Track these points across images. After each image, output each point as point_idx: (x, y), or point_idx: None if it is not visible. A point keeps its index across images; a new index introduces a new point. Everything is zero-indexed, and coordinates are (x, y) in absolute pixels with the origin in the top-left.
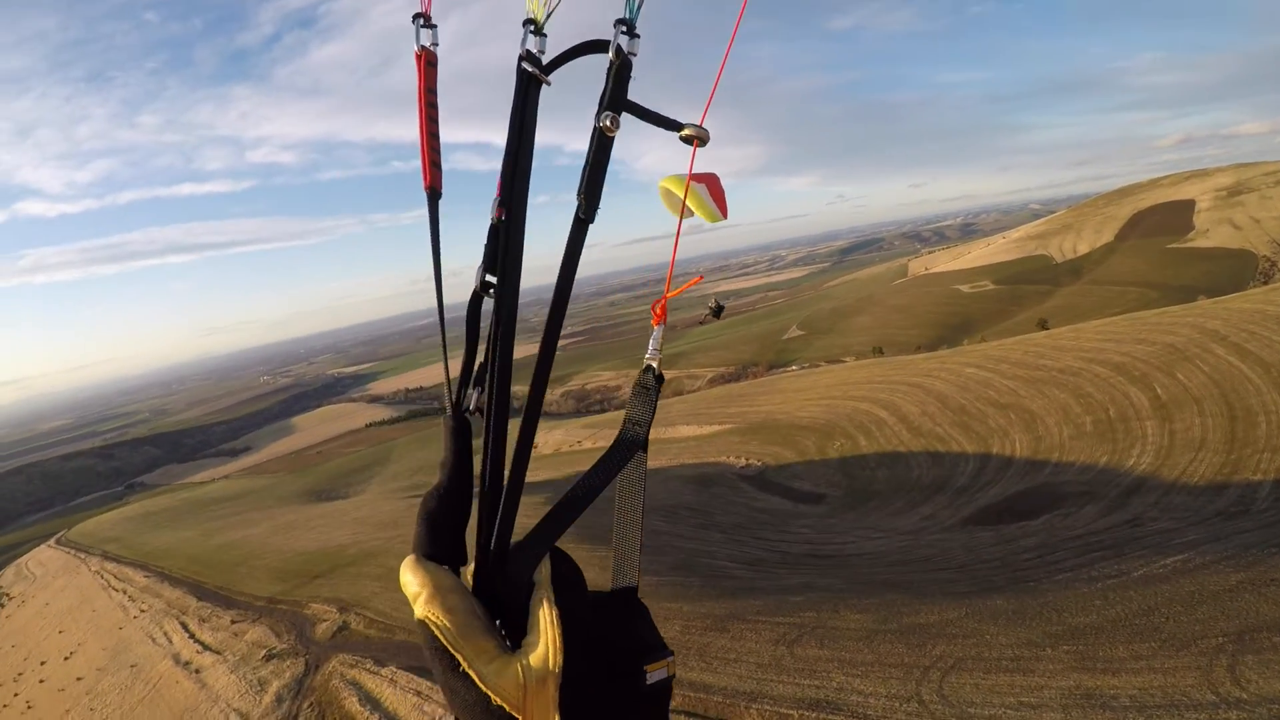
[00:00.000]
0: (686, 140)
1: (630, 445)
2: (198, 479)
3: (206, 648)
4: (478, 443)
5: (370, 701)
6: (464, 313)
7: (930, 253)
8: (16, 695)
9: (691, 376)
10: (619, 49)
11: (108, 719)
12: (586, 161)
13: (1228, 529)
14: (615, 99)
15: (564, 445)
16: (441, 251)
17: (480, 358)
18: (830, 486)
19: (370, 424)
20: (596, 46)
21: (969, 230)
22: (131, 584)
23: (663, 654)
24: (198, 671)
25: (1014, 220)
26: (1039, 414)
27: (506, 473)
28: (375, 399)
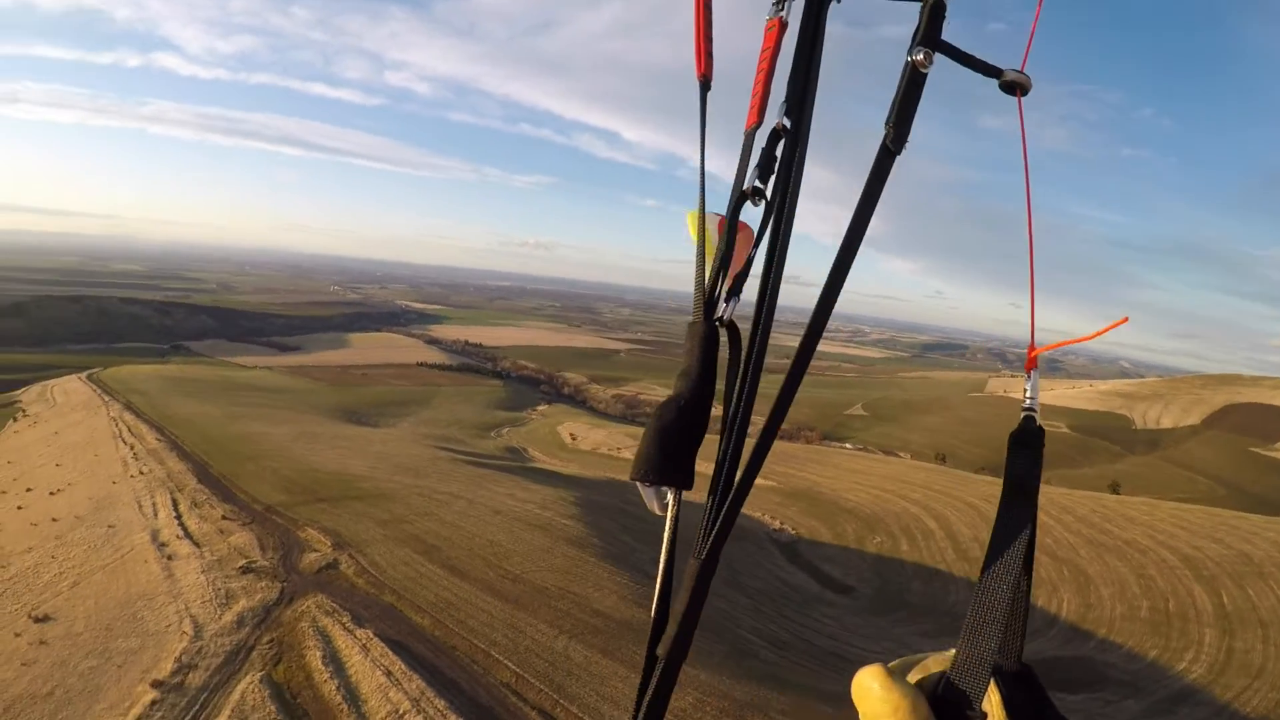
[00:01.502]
0: (1007, 88)
1: (1026, 503)
2: (241, 361)
3: (188, 535)
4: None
5: (334, 662)
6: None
7: (1013, 376)
8: None
9: None
10: None
11: (63, 573)
12: (897, 94)
13: None
14: (929, 36)
15: (602, 446)
16: (706, 143)
17: (737, 268)
18: (861, 581)
19: (421, 363)
20: None
21: (1053, 366)
22: (142, 442)
23: None
24: (169, 559)
25: (1101, 371)
26: (1094, 579)
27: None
28: (433, 341)
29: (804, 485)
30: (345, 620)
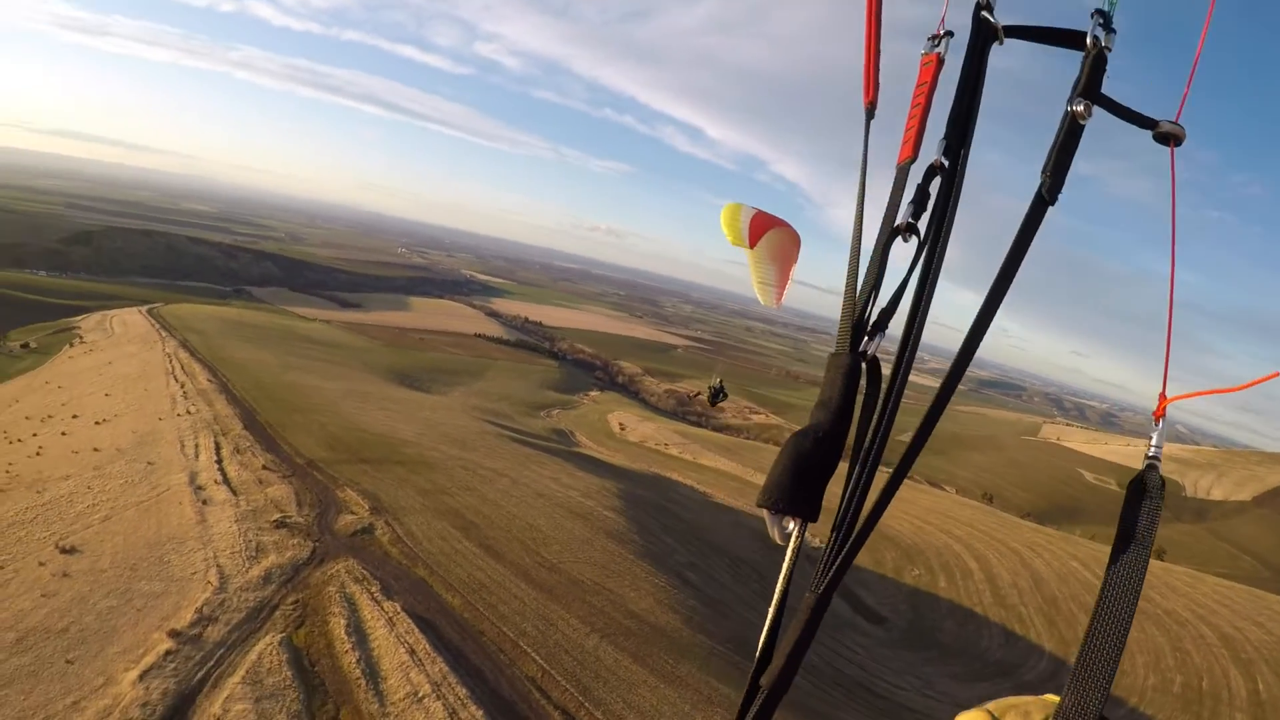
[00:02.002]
0: (1161, 139)
1: (1140, 554)
2: (302, 311)
3: (226, 481)
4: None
5: (358, 633)
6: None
7: (1067, 424)
8: (35, 436)
9: (789, 432)
10: (1095, 39)
11: (96, 505)
12: (1054, 144)
13: None
14: (1089, 88)
15: (650, 439)
16: (868, 173)
17: (883, 302)
18: (894, 613)
19: (480, 335)
20: (1068, 38)
21: (1109, 420)
22: (193, 381)
23: None
24: (204, 503)
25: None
26: (1130, 646)
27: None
28: (494, 314)
29: None
30: (374, 589)
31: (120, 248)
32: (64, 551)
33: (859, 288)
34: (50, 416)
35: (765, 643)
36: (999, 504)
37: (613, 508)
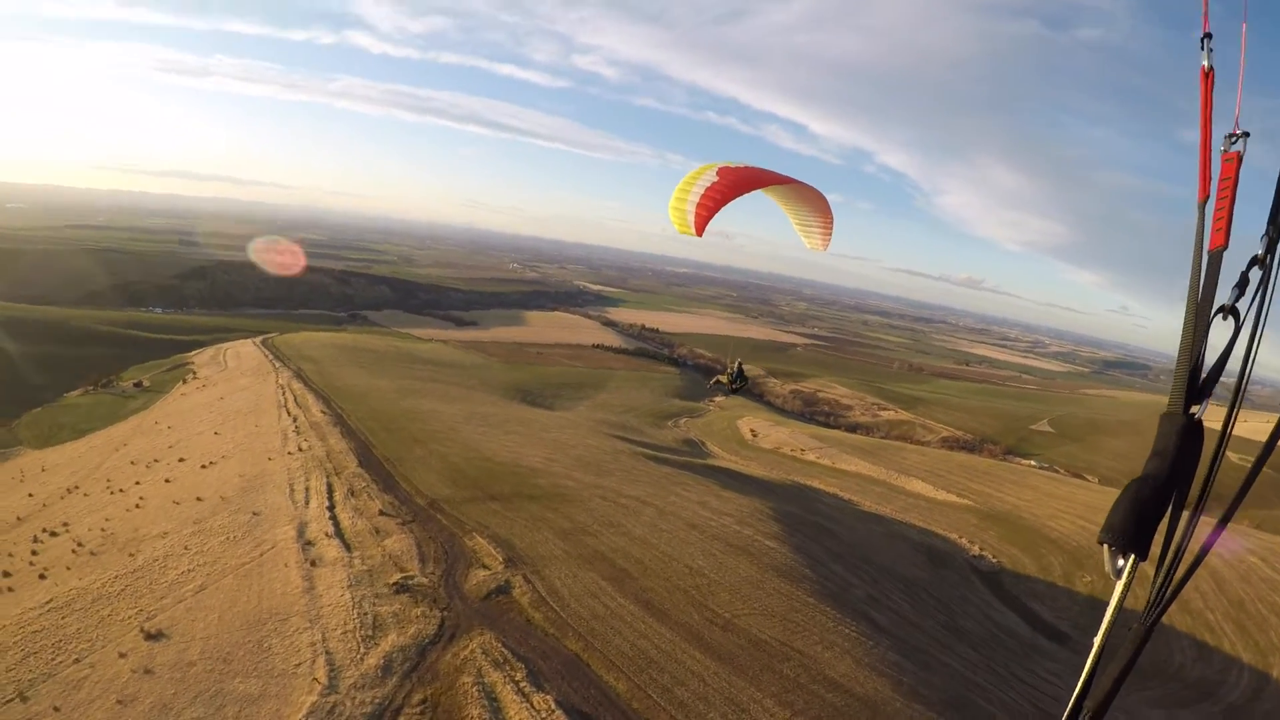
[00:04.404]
0: None
1: None
2: (418, 333)
3: (339, 532)
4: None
5: None
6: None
7: (1213, 403)
8: (138, 484)
9: (926, 428)
10: None
11: (192, 570)
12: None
13: None
14: None
15: (785, 445)
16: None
17: (1206, 369)
18: (1074, 627)
19: (597, 345)
20: None
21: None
22: (306, 414)
23: None
24: (313, 563)
25: None
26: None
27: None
28: (610, 324)
29: (1003, 507)
30: (518, 676)
31: (234, 280)
32: (149, 637)
33: (1191, 357)
34: (156, 461)
35: (1089, 671)
36: None
37: (772, 534)
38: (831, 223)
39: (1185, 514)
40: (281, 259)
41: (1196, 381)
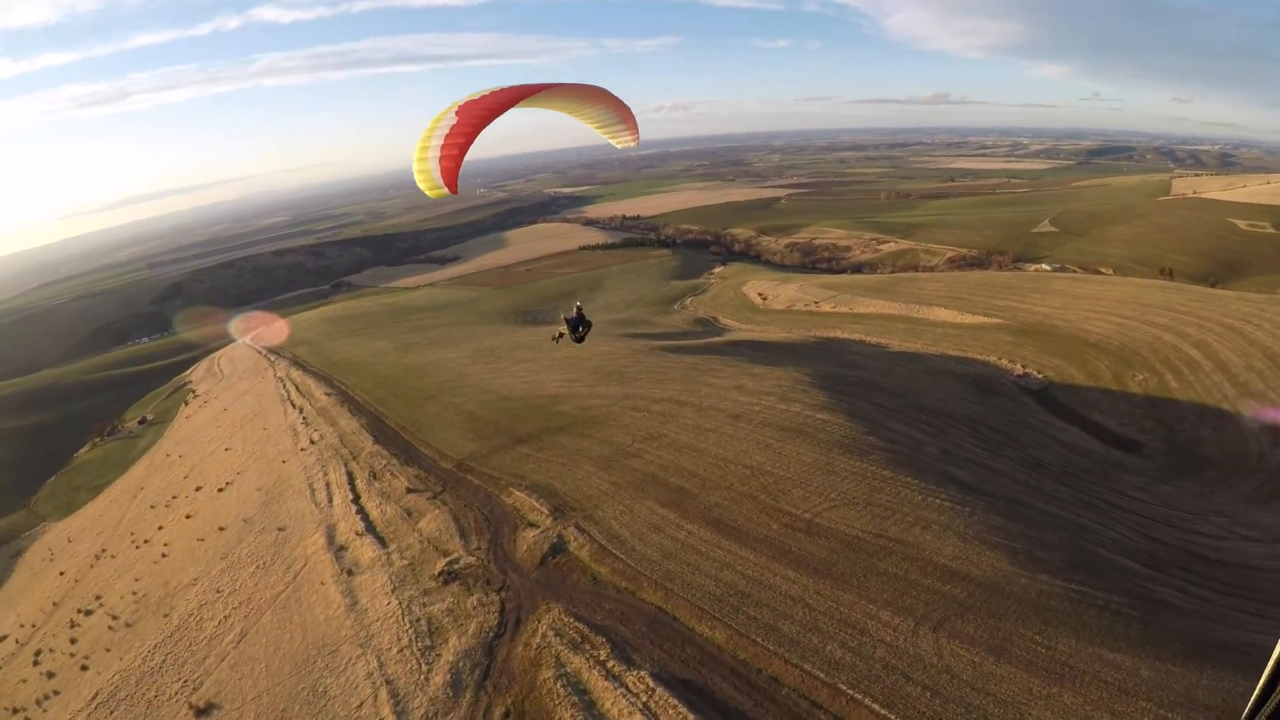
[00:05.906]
0: None
1: None
2: (404, 283)
3: (370, 527)
4: None
5: None
6: None
7: (1195, 175)
8: (160, 529)
9: (929, 252)
10: None
11: (229, 617)
12: None
13: None
14: None
15: (798, 302)
16: None
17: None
18: (1141, 432)
19: (583, 247)
20: None
21: (1227, 161)
22: (311, 401)
23: None
24: (350, 573)
25: (1278, 163)
26: None
27: None
28: (590, 222)
29: (1033, 319)
30: (603, 655)
31: (211, 286)
32: (200, 713)
33: None
34: (174, 497)
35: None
36: (1160, 275)
37: (820, 404)
38: (631, 115)
39: None
40: None
41: None
